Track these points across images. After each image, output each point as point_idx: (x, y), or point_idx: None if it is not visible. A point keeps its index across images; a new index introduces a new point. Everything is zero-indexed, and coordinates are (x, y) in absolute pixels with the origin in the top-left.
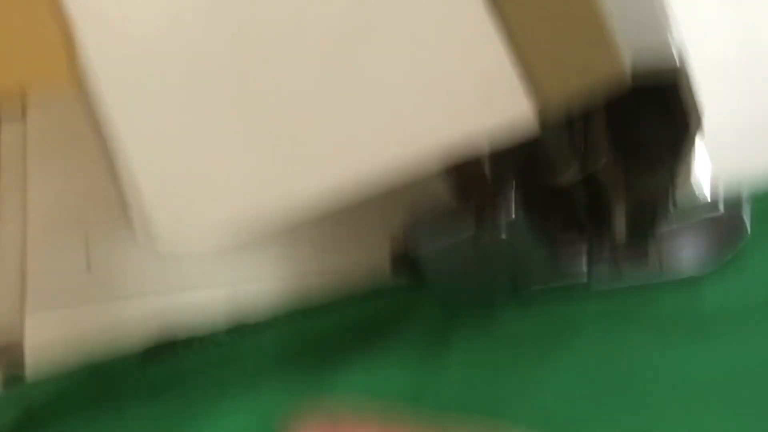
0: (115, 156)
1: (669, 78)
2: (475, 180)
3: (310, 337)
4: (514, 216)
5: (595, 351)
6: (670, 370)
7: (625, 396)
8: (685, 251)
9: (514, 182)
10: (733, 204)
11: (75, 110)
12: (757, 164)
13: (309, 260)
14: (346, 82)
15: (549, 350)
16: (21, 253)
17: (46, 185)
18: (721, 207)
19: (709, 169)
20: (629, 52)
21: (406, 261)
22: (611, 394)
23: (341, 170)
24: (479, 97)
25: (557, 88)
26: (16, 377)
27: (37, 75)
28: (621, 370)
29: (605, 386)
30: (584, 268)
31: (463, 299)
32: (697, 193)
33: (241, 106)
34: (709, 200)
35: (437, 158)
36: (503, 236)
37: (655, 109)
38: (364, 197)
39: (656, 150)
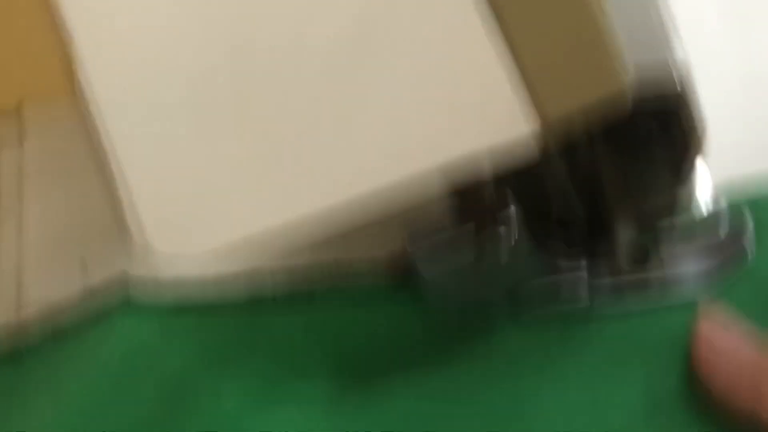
0: (113, 172)
1: (672, 98)
2: (475, 202)
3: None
4: (514, 240)
5: (595, 375)
6: (673, 395)
7: (626, 419)
8: (688, 273)
9: (515, 206)
10: (736, 225)
11: (72, 128)
12: (759, 182)
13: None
14: (347, 100)
15: (548, 374)
16: (18, 272)
17: (43, 204)
18: (724, 229)
19: (711, 189)
20: (632, 71)
21: (406, 282)
22: (611, 419)
23: (340, 188)
24: (480, 116)
25: (559, 108)
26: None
27: (34, 92)
28: (622, 395)
29: (605, 412)
30: (585, 292)
31: (462, 321)
32: (699, 214)
33: (240, 120)
34: (712, 222)
35: (437, 178)
36: (504, 261)
37: (658, 130)
38: (365, 217)
39: (658, 171)
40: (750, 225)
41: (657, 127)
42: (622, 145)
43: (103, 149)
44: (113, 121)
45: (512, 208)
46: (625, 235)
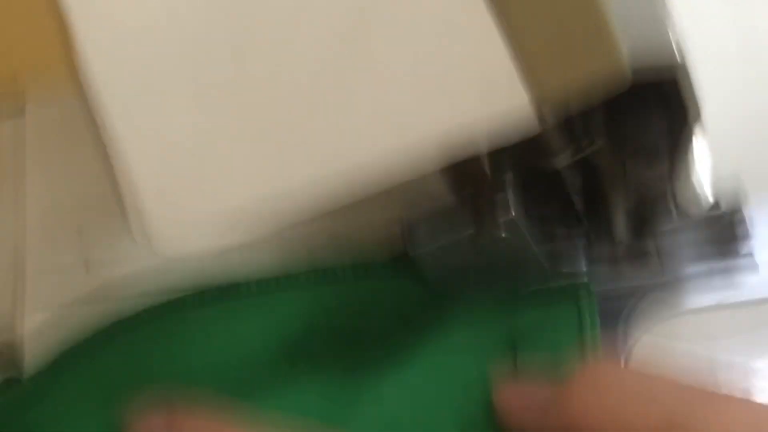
0: (113, 154)
1: (668, 73)
2: (473, 176)
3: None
4: (513, 214)
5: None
6: None
7: None
8: (686, 250)
9: (512, 178)
10: (735, 202)
11: (73, 107)
12: (758, 161)
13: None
14: (345, 74)
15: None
16: (19, 253)
17: (44, 183)
18: (723, 205)
19: (710, 166)
20: (628, 46)
21: (404, 258)
22: None
23: (339, 163)
24: (478, 90)
25: (556, 82)
26: (13, 380)
27: (35, 71)
28: None
29: None
30: (583, 268)
31: (461, 297)
32: (698, 190)
33: (239, 101)
34: (711, 198)
35: (435, 151)
36: (503, 235)
37: (654, 104)
38: (362, 192)
39: (655, 146)
40: (750, 218)
41: (653, 99)
42: (619, 118)
43: (102, 129)
44: (112, 100)
45: (510, 182)
46: (623, 209)
